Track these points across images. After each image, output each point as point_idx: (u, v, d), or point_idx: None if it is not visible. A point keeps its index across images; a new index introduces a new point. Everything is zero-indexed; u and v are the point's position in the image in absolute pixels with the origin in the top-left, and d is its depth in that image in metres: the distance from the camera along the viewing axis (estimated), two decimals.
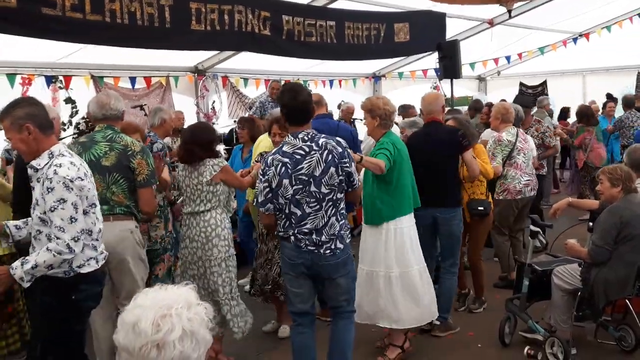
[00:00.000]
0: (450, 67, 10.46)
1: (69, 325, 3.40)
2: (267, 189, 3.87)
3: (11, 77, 7.78)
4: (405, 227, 4.75)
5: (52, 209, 3.16)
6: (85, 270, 3.34)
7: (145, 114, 8.20)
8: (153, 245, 5.00)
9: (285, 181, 3.83)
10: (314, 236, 3.88)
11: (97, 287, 3.50)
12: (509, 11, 9.33)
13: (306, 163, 3.82)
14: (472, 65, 13.57)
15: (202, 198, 4.63)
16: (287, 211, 3.88)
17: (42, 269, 3.18)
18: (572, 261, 4.91)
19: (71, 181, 3.19)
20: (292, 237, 3.90)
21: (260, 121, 7.62)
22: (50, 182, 3.17)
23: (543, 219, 6.34)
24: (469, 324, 5.53)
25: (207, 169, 4.61)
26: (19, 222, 3.56)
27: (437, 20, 10.77)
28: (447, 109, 8.87)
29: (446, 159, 5.22)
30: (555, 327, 4.80)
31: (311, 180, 3.83)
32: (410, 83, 13.73)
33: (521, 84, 15.85)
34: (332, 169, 3.84)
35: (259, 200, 3.92)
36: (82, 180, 3.26)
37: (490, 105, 8.50)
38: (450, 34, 11.21)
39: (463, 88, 14.91)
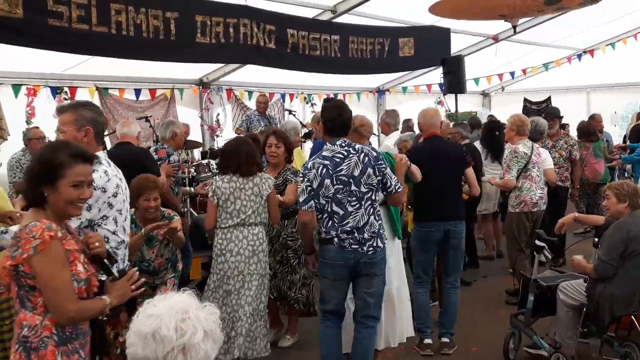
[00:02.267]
0: (454, 82, 10.48)
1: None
2: (310, 188, 4.12)
3: (16, 87, 7.83)
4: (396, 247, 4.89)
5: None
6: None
7: (151, 126, 8.23)
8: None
9: (327, 181, 4.10)
10: (356, 234, 4.12)
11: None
12: (514, 27, 9.33)
13: (345, 165, 4.12)
14: (476, 80, 13.60)
15: (254, 210, 4.71)
16: (329, 210, 4.13)
17: None
18: (578, 277, 4.87)
19: (95, 189, 3.18)
20: (336, 239, 4.12)
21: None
22: (107, 179, 3.25)
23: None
24: (472, 340, 5.48)
25: (264, 182, 4.74)
26: (13, 229, 3.58)
27: (441, 36, 10.80)
28: (451, 123, 8.94)
29: (456, 173, 5.31)
30: (560, 343, 4.75)
31: (351, 180, 4.11)
32: (415, 98, 13.75)
33: (525, 100, 15.82)
34: (370, 170, 4.14)
35: (301, 200, 4.13)
36: (104, 192, 3.25)
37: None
38: (454, 49, 11.24)
39: (467, 103, 14.91)
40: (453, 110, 11.39)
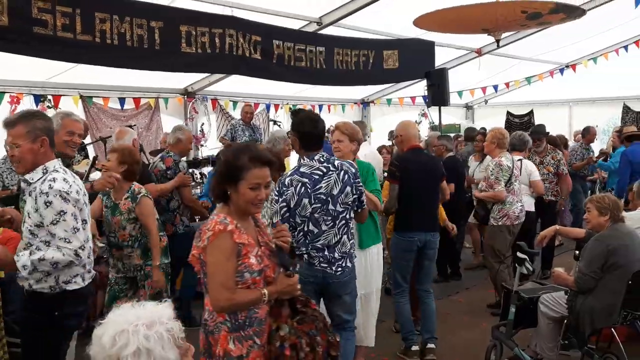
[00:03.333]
0: (438, 95, 10.55)
1: (48, 340, 3.33)
2: (285, 209, 3.96)
3: None
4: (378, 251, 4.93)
5: (54, 222, 3.16)
6: (71, 287, 3.31)
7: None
8: (126, 273, 4.93)
9: (305, 200, 3.94)
10: (326, 252, 4.00)
11: (81, 307, 3.45)
12: (497, 41, 9.42)
13: (324, 182, 3.97)
14: (459, 93, 13.71)
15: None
16: (305, 229, 3.98)
17: (47, 265, 3.16)
18: (559, 289, 4.91)
19: (67, 193, 3.21)
20: (306, 255, 3.99)
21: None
22: (47, 196, 3.16)
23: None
24: (455, 351, 5.50)
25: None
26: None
27: (426, 48, 10.87)
28: (437, 134, 9.00)
29: (437, 185, 5.45)
30: (540, 354, 4.78)
31: (329, 199, 3.97)
32: (399, 110, 13.82)
33: (508, 113, 15.99)
34: (348, 188, 4.02)
35: (275, 221, 3.98)
36: (78, 194, 3.28)
37: (484, 132, 8.52)
38: (438, 62, 11.32)
39: (450, 116, 15.03)
40: (437, 122, 11.46)
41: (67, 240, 3.18)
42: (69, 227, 3.18)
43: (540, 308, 4.81)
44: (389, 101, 13.72)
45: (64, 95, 8.47)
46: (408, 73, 11.04)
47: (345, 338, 4.19)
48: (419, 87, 12.03)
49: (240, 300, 2.78)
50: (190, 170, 6.20)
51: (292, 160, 8.73)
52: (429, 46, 10.87)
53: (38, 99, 8.18)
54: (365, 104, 13.75)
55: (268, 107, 11.59)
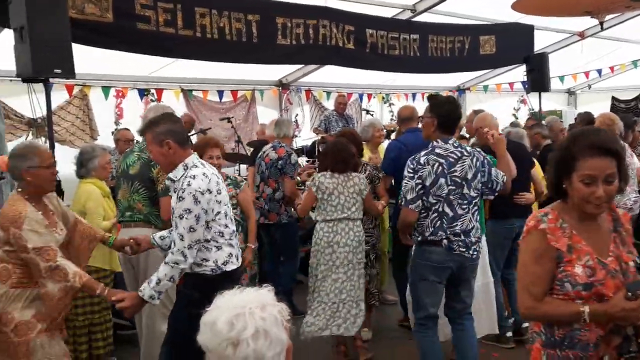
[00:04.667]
0: (538, 80, 10.22)
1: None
2: (420, 186, 4.01)
3: (106, 89, 8.18)
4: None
5: (180, 216, 3.40)
6: (229, 267, 3.55)
7: (233, 127, 8.43)
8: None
9: (442, 180, 4.00)
10: (463, 237, 4.08)
11: (236, 285, 3.62)
12: (601, 23, 9.00)
13: (459, 166, 4.04)
14: (561, 78, 13.15)
15: (356, 207, 5.00)
16: (439, 210, 4.04)
17: (166, 282, 3.41)
18: None
19: (201, 194, 3.41)
20: (445, 240, 4.05)
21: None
22: (183, 192, 3.40)
23: None
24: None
25: (362, 181, 5.06)
26: (163, 233, 3.83)
27: (524, 33, 10.51)
28: (532, 122, 8.70)
29: (525, 173, 5.44)
30: None
31: (464, 182, 4.05)
32: (496, 96, 13.45)
33: (613, 98, 15.20)
34: (479, 175, 4.12)
35: (409, 198, 4.03)
36: (210, 193, 3.46)
37: (592, 119, 8.11)
38: (538, 46, 10.92)
39: (551, 102, 14.46)
40: (537, 109, 11.09)
41: (181, 236, 3.38)
42: (187, 226, 3.38)
43: None
44: (485, 88, 13.36)
45: (166, 89, 8.80)
46: (506, 58, 10.75)
47: (470, 327, 4.33)
48: (518, 73, 11.65)
49: (547, 312, 2.41)
50: (294, 161, 6.30)
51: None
52: (528, 30, 10.50)
53: (142, 92, 8.55)
54: (460, 91, 13.47)
55: (361, 96, 11.58)
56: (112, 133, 7.81)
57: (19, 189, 3.64)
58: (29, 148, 3.76)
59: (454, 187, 4.02)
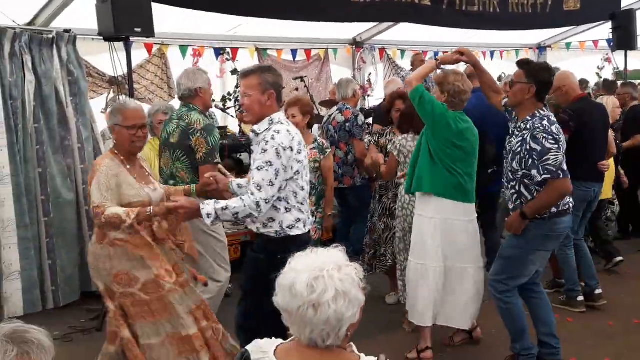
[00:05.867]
0: (624, 38, 9.68)
1: (268, 280, 3.60)
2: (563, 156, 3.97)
3: (183, 48, 8.30)
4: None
5: (259, 168, 3.40)
6: (294, 232, 3.54)
7: (306, 86, 8.43)
8: None
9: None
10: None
11: (302, 251, 3.70)
12: None
13: (562, 135, 4.02)
14: None
15: None
16: None
17: (229, 213, 3.39)
18: None
19: (284, 149, 3.40)
20: (572, 207, 4.15)
21: None
22: (266, 145, 3.41)
23: None
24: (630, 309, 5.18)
25: None
26: (241, 181, 3.87)
27: None
28: (619, 82, 8.31)
29: (605, 135, 5.43)
30: None
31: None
32: (579, 54, 12.86)
33: None
34: None
35: (565, 168, 3.97)
36: (292, 151, 3.46)
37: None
38: (625, 2, 10.34)
39: (637, 60, 13.72)
40: (622, 68, 10.56)
41: (258, 187, 3.37)
42: (267, 178, 3.37)
43: None
44: (568, 45, 12.79)
45: (241, 48, 8.86)
46: (591, 14, 10.21)
47: (544, 296, 4.40)
48: (603, 30, 11.09)
49: None
50: (361, 122, 6.26)
51: None
52: None
53: (218, 52, 8.64)
54: (541, 48, 12.93)
55: (436, 54, 11.28)
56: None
57: (112, 145, 3.78)
58: (118, 105, 3.82)
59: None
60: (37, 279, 5.42)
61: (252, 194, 3.37)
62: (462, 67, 5.36)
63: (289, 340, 2.00)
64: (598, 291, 5.38)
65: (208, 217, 3.40)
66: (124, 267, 3.64)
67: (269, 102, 3.50)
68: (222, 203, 3.41)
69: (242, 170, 6.58)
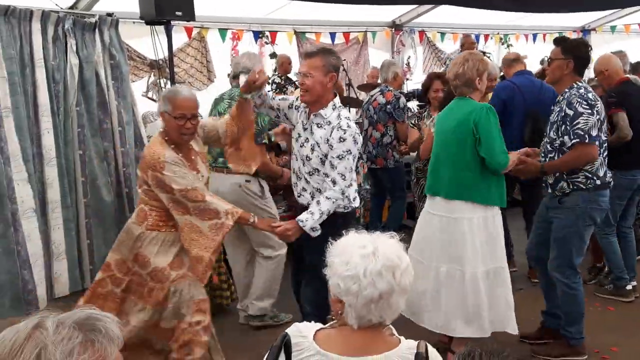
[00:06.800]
0: None
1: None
2: (600, 122, 3.98)
3: (222, 32, 8.33)
4: None
5: (340, 157, 3.52)
6: (355, 204, 3.75)
7: (344, 69, 8.40)
8: None
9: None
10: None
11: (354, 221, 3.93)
12: None
13: (599, 102, 4.03)
14: None
15: None
16: (604, 149, 4.08)
17: (324, 216, 3.57)
18: None
19: (358, 135, 3.59)
20: (612, 181, 4.18)
21: None
22: (344, 133, 3.52)
23: None
24: None
25: None
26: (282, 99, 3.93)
27: None
28: None
29: None
30: None
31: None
32: (624, 37, 12.51)
33: None
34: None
35: (594, 134, 3.94)
36: (360, 135, 3.67)
37: None
38: None
39: None
40: None
41: (342, 176, 3.53)
42: (347, 166, 3.53)
43: None
44: (613, 28, 12.46)
45: (279, 31, 8.85)
46: None
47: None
48: None
49: None
50: (402, 105, 6.23)
51: None
52: None
53: (257, 35, 8.65)
54: (585, 31, 12.63)
55: (477, 37, 11.09)
56: (228, 75, 7.97)
57: (161, 130, 3.67)
58: (169, 93, 3.66)
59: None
60: (77, 259, 5.54)
61: (334, 183, 3.53)
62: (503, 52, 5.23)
63: (327, 324, 2.01)
64: (634, 283, 5.31)
65: (313, 231, 3.54)
66: (149, 251, 3.65)
67: (329, 84, 3.57)
68: (316, 212, 3.53)
69: (280, 152, 6.59)
